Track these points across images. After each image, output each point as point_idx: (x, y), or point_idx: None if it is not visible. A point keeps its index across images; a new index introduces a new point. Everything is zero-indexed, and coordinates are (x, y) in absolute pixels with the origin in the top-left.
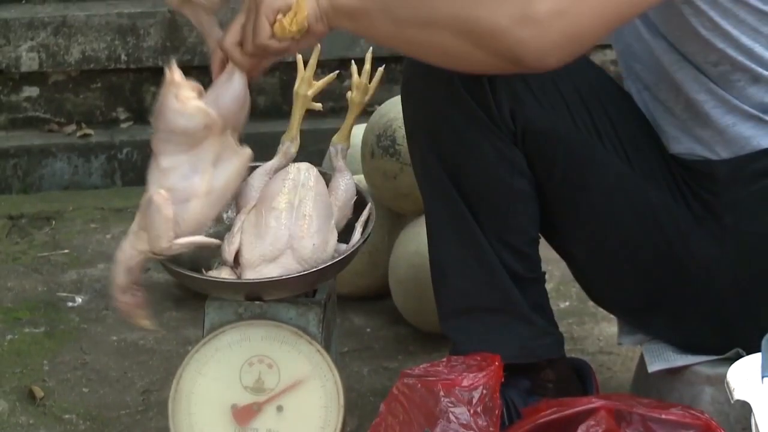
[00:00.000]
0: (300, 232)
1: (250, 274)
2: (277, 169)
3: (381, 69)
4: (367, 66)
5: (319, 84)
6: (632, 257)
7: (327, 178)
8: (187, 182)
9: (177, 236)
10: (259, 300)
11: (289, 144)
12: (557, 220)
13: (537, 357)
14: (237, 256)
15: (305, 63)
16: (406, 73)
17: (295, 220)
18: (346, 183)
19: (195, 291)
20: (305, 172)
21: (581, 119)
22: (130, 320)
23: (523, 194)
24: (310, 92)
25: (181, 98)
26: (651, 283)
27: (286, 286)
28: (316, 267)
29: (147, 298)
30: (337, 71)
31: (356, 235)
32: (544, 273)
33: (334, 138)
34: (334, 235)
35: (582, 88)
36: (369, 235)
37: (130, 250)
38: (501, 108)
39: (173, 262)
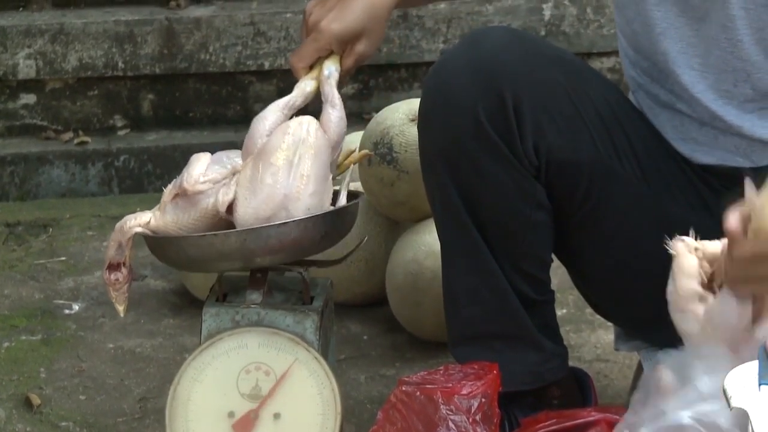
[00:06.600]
0: (296, 192)
1: None
2: (292, 106)
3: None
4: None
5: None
6: (651, 273)
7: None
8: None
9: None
10: (249, 264)
11: (308, 82)
12: (574, 243)
13: (545, 381)
14: (230, 208)
15: None
16: (426, 103)
17: (291, 179)
18: (337, 117)
19: (178, 266)
20: (306, 127)
21: (602, 143)
22: (109, 298)
23: (540, 225)
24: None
25: None
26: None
27: (262, 238)
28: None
29: (130, 282)
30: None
31: (342, 199)
32: (553, 292)
33: (327, 61)
34: (329, 195)
35: (602, 109)
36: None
37: (130, 221)
38: (525, 142)
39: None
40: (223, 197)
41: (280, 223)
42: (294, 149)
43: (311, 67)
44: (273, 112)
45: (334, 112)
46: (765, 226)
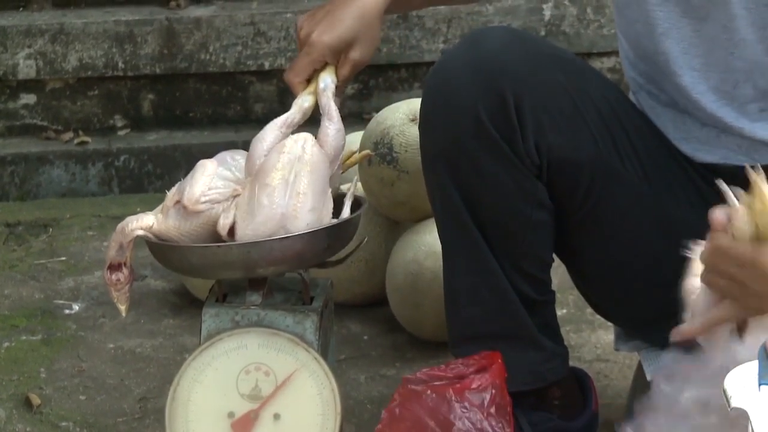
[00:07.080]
0: (293, 211)
1: None
2: (290, 123)
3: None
4: None
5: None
6: (652, 274)
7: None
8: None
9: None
10: (251, 274)
11: (306, 97)
12: (574, 242)
13: (546, 381)
14: (231, 231)
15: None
16: (427, 104)
17: (288, 198)
18: (335, 130)
19: (179, 271)
20: (302, 144)
21: (603, 141)
22: (111, 298)
23: (541, 224)
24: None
25: None
26: (669, 296)
27: (265, 250)
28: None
29: (132, 283)
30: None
31: (346, 210)
32: (554, 292)
33: (323, 73)
34: (329, 208)
35: (603, 108)
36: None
37: (132, 223)
38: (526, 141)
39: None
40: (224, 221)
41: (283, 237)
42: (290, 167)
43: (309, 81)
44: (271, 132)
45: (331, 125)
46: (743, 228)
